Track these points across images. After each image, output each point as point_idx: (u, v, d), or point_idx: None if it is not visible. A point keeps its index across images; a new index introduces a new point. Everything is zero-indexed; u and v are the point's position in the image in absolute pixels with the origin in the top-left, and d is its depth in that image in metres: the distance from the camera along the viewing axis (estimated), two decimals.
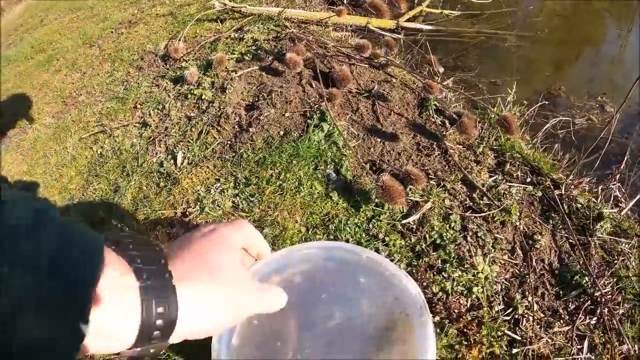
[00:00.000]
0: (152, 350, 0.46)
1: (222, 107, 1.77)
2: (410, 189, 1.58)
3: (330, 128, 1.69)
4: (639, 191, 1.96)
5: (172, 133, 1.75)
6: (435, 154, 1.76)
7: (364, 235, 1.52)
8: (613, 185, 1.93)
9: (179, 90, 1.87)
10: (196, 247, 0.53)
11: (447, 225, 1.56)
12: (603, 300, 1.51)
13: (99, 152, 1.80)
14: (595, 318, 1.49)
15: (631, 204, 1.87)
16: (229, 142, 1.69)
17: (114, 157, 1.75)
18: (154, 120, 1.79)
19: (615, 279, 1.58)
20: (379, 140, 1.76)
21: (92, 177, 1.73)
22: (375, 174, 1.61)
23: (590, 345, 1.46)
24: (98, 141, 1.84)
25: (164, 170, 1.65)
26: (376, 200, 1.57)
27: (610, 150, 2.07)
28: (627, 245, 1.68)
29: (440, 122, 1.86)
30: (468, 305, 1.44)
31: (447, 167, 1.73)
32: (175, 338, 0.46)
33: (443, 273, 1.47)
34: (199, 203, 1.55)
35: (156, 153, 1.71)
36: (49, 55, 2.39)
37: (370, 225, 1.53)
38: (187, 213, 1.53)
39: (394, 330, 1.03)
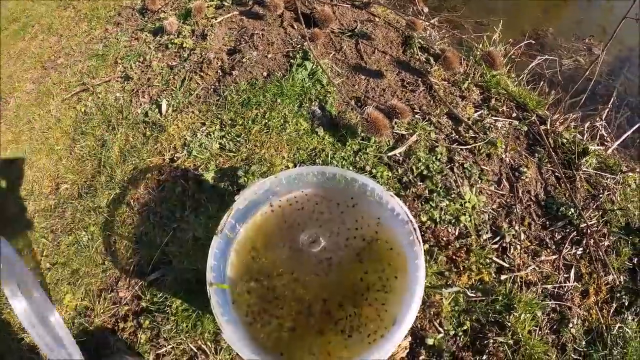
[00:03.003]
0: None
1: (203, 53, 1.72)
2: (395, 123, 1.55)
3: (314, 66, 1.65)
4: (624, 133, 1.95)
5: (155, 83, 1.71)
6: (420, 89, 1.71)
7: (351, 168, 1.48)
8: (599, 123, 1.91)
9: (159, 41, 1.82)
10: None
11: (434, 157, 1.51)
12: (589, 231, 1.49)
13: (83, 111, 1.76)
14: (581, 249, 1.48)
15: (616, 143, 1.83)
16: (213, 87, 1.64)
17: (99, 113, 1.72)
18: (135, 73, 1.76)
19: (600, 212, 1.56)
20: (363, 77, 1.70)
21: (78, 135, 1.69)
22: (361, 108, 1.59)
23: (577, 274, 1.45)
24: (81, 100, 1.81)
25: (149, 119, 1.60)
26: (362, 133, 1.52)
27: (597, 92, 2.04)
28: (612, 181, 1.66)
29: (424, 59, 1.79)
30: (456, 234, 1.42)
31: (432, 102, 1.68)
32: None
33: (431, 202, 1.43)
34: (186, 148, 1.51)
35: (140, 104, 1.68)
36: (23, 23, 2.33)
37: (357, 158, 1.50)
38: (175, 158, 1.50)
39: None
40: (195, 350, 1.23)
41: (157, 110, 1.63)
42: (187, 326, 1.24)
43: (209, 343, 1.24)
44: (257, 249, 1.05)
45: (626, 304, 1.45)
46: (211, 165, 1.47)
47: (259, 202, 1.09)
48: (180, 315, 1.25)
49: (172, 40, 1.77)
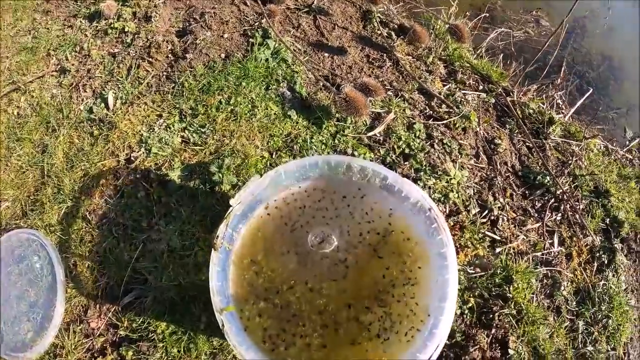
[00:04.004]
0: None
1: (149, 37, 1.47)
2: (370, 101, 1.44)
3: (277, 45, 1.48)
4: (576, 99, 1.99)
5: (97, 74, 1.45)
6: (387, 65, 1.61)
7: (331, 152, 1.35)
8: (555, 93, 1.95)
9: (97, 27, 1.55)
10: None
11: (413, 135, 1.43)
12: (565, 197, 1.50)
13: (15, 114, 1.48)
14: (560, 214, 1.49)
15: (572, 111, 1.90)
16: (165, 73, 1.40)
17: (34, 114, 1.45)
18: (72, 65, 1.49)
19: (571, 178, 1.58)
20: (326, 55, 1.56)
21: (13, 142, 1.42)
22: (333, 88, 1.46)
23: (560, 239, 1.44)
24: (12, 101, 1.52)
25: (95, 116, 1.36)
26: (337, 114, 1.40)
27: (548, 62, 2.06)
28: (577, 147, 1.69)
29: (386, 34, 1.70)
30: (447, 212, 1.35)
31: (400, 77, 1.59)
32: None
33: (419, 182, 1.34)
34: (143, 145, 1.30)
35: (82, 99, 1.43)
36: None
37: (336, 141, 1.37)
38: (132, 158, 1.29)
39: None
40: None
41: (103, 104, 1.39)
42: (179, 351, 1.05)
43: None
44: (259, 261, 0.88)
45: (606, 262, 1.50)
46: (176, 163, 1.27)
47: (253, 205, 0.93)
48: (168, 340, 1.06)
49: (112, 25, 1.52)
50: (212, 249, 0.84)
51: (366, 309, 0.85)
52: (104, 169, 1.28)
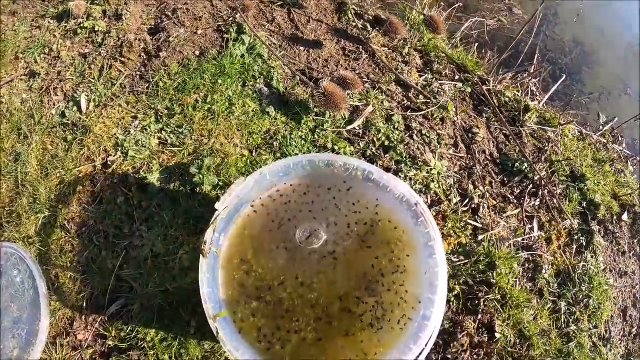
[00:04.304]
0: None
1: (121, 35, 1.43)
2: (348, 94, 1.43)
3: (252, 40, 1.45)
4: (550, 86, 2.03)
5: (68, 76, 1.41)
6: (363, 57, 1.61)
7: (311, 147, 1.35)
8: (529, 80, 1.98)
9: (66, 27, 1.49)
10: None
11: (392, 127, 1.43)
12: (542, 183, 1.53)
13: None
14: (538, 199, 1.52)
15: (546, 97, 1.93)
16: (138, 73, 1.37)
17: (4, 121, 1.39)
18: (42, 67, 1.44)
19: (548, 163, 1.62)
20: (302, 48, 1.55)
21: None
22: (310, 82, 1.45)
23: (539, 223, 1.48)
24: None
25: (68, 120, 1.32)
26: (315, 108, 1.40)
27: (521, 50, 2.08)
28: (553, 133, 1.73)
29: (361, 26, 1.70)
30: (429, 202, 1.36)
31: (377, 69, 1.59)
32: None
33: (400, 174, 1.35)
34: (119, 148, 1.27)
35: (54, 103, 1.38)
36: None
37: (316, 136, 1.36)
38: (108, 163, 1.26)
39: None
40: None
41: (75, 108, 1.35)
42: (170, 358, 1.04)
43: None
44: (248, 260, 0.87)
45: (584, 244, 1.54)
46: (154, 165, 1.24)
47: (239, 206, 0.91)
48: (159, 347, 1.04)
49: (81, 24, 1.47)
50: (201, 256, 0.83)
51: (357, 300, 0.85)
52: (80, 175, 1.25)
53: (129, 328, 1.07)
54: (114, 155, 1.26)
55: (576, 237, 1.53)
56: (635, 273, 1.67)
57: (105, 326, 1.09)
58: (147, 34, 1.46)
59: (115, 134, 1.29)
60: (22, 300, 1.09)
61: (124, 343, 1.06)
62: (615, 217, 1.66)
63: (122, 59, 1.40)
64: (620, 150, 2.11)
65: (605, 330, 1.48)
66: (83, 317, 1.10)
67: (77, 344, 1.07)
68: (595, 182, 1.66)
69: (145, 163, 1.25)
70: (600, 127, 2.16)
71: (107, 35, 1.44)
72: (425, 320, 0.82)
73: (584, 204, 1.60)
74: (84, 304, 1.11)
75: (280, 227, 0.91)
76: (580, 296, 1.44)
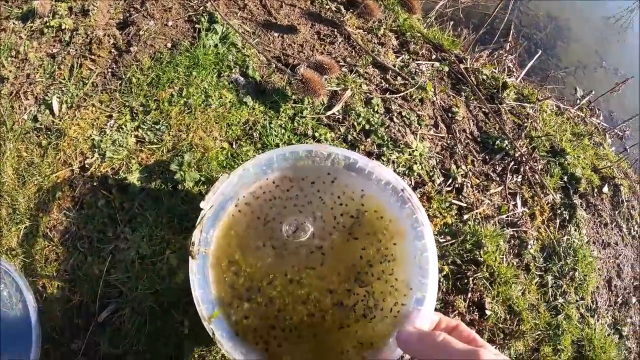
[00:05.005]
0: None
1: (89, 32, 1.38)
2: (325, 79, 1.42)
3: (224, 29, 1.42)
4: (526, 61, 2.04)
5: (38, 79, 1.36)
6: (339, 41, 1.59)
7: (292, 135, 1.33)
8: (505, 57, 1.99)
9: (32, 27, 1.43)
10: None
11: (372, 110, 1.43)
12: (523, 159, 1.56)
13: None
14: (520, 176, 1.55)
15: (522, 73, 1.94)
16: (110, 70, 1.33)
17: None
18: (10, 71, 1.38)
19: (528, 140, 1.64)
20: (276, 35, 1.52)
21: None
22: (287, 69, 1.43)
23: (522, 200, 1.51)
24: None
25: (41, 124, 1.27)
26: (293, 96, 1.38)
27: (496, 26, 2.08)
28: (531, 110, 1.76)
29: (335, 9, 1.68)
30: (413, 184, 1.37)
31: (353, 52, 1.58)
32: None
33: (382, 157, 1.35)
34: (96, 150, 1.23)
35: (25, 108, 1.33)
36: None
37: (296, 124, 1.34)
38: (86, 166, 1.22)
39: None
40: None
41: (47, 111, 1.30)
42: (166, 359, 1.04)
43: None
44: (236, 261, 0.86)
45: (567, 218, 1.57)
46: (133, 165, 1.22)
47: (224, 204, 0.90)
48: (154, 350, 1.04)
49: (48, 24, 1.41)
50: (190, 257, 0.81)
51: (348, 292, 0.86)
52: (59, 180, 1.21)
53: (122, 333, 1.07)
54: (92, 158, 1.23)
55: (559, 211, 1.56)
56: (618, 244, 1.70)
57: (97, 334, 1.08)
58: (116, 29, 1.42)
59: (91, 135, 1.26)
60: (13, 315, 1.06)
61: (118, 349, 1.06)
62: (596, 190, 1.69)
63: (92, 56, 1.35)
64: (598, 123, 2.15)
65: (592, 301, 1.52)
66: (75, 326, 1.09)
67: (71, 354, 1.06)
68: (575, 156, 1.69)
69: (124, 163, 1.22)
70: (578, 101, 2.18)
71: (75, 33, 1.39)
72: (418, 305, 0.82)
73: (565, 178, 1.62)
74: (74, 313, 1.10)
75: (266, 225, 0.90)
76: (566, 269, 1.46)
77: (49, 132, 1.28)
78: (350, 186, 0.92)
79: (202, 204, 0.86)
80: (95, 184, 1.20)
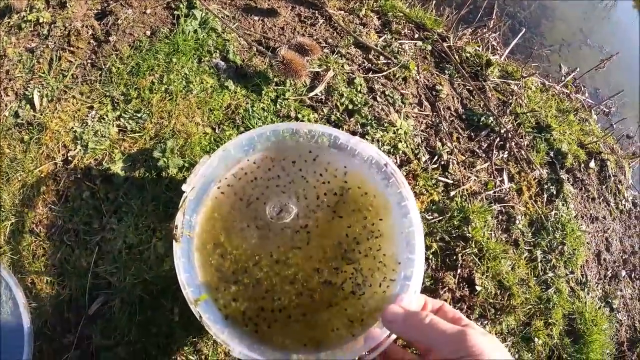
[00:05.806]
0: None
1: (67, 24, 1.36)
2: (307, 61, 1.41)
3: (204, 14, 1.41)
4: (510, 40, 2.03)
5: (17, 74, 1.34)
6: (320, 22, 1.58)
7: (274, 118, 1.32)
8: (489, 35, 1.98)
9: (9, 22, 1.40)
10: None
11: (355, 90, 1.42)
12: (509, 135, 1.56)
13: None
14: (506, 152, 1.55)
15: (507, 51, 1.94)
16: (89, 61, 1.31)
17: None
18: None
19: (513, 116, 1.65)
20: (256, 18, 1.51)
21: None
22: (268, 52, 1.41)
23: (509, 175, 1.51)
24: None
25: (23, 120, 1.25)
26: (275, 79, 1.37)
27: (480, 4, 2.07)
28: (516, 86, 1.76)
29: None
30: (398, 162, 1.37)
31: (335, 33, 1.57)
32: None
33: (367, 137, 1.35)
34: (79, 142, 1.22)
35: (6, 105, 1.31)
36: None
37: (278, 106, 1.33)
38: (70, 158, 1.21)
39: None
40: None
41: (28, 106, 1.28)
42: (159, 347, 1.04)
43: (190, 356, 1.07)
44: (222, 243, 0.86)
45: (554, 192, 1.57)
46: (116, 155, 1.20)
47: (206, 186, 0.89)
48: (145, 339, 1.03)
49: (25, 18, 1.39)
50: (174, 241, 0.81)
51: (335, 270, 0.86)
52: (42, 175, 1.20)
53: (114, 324, 1.07)
54: (74, 150, 1.22)
55: (546, 186, 1.56)
56: (606, 218, 1.72)
57: (88, 327, 1.07)
58: (95, 19, 1.40)
59: (72, 127, 1.24)
60: (2, 314, 1.05)
61: (110, 340, 1.06)
62: (582, 165, 1.70)
63: (71, 48, 1.34)
64: (583, 99, 2.15)
65: (582, 275, 1.53)
66: (65, 320, 1.08)
67: (64, 349, 1.05)
68: (561, 132, 1.69)
69: (107, 153, 1.21)
70: (563, 78, 2.19)
71: (53, 26, 1.37)
72: (406, 280, 0.82)
73: (552, 153, 1.63)
74: (65, 307, 1.09)
75: (249, 206, 0.89)
76: (555, 244, 1.47)
77: (30, 127, 1.26)
78: (333, 163, 0.92)
79: (183, 187, 0.86)
80: (79, 176, 1.19)
